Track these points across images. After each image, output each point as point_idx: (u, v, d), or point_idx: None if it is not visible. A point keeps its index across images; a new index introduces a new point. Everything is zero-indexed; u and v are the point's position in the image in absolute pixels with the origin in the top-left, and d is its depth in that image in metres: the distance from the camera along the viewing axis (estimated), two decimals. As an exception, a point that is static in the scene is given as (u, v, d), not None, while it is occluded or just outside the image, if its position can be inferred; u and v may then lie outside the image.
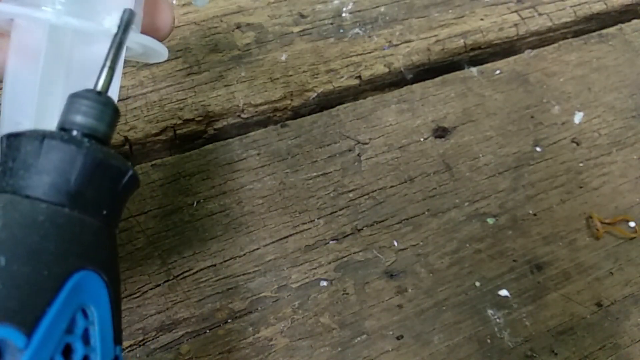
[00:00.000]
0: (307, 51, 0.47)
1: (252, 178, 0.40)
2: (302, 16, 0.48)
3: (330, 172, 0.42)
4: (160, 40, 0.26)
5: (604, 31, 0.53)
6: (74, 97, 0.19)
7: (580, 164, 0.45)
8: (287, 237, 0.39)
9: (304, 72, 0.46)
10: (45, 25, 0.21)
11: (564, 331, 0.38)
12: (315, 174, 0.41)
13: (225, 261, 0.37)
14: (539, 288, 0.39)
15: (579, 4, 0.54)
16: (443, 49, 0.49)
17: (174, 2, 0.48)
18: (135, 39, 0.23)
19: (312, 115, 0.44)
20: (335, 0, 0.50)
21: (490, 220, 0.42)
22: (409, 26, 0.49)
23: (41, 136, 0.17)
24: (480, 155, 0.44)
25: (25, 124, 0.21)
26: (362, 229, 0.40)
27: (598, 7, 0.54)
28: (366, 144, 0.43)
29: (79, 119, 0.18)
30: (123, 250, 0.37)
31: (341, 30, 0.48)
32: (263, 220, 0.39)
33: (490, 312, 0.38)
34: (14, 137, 0.17)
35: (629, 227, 0.42)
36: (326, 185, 0.41)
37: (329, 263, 0.38)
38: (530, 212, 0.42)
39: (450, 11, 0.51)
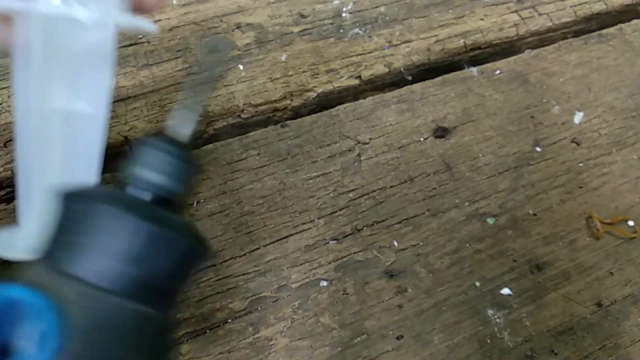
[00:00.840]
0: (307, 51, 0.47)
1: (252, 178, 0.40)
2: (302, 16, 0.48)
3: (330, 172, 0.42)
4: (148, 11, 0.25)
5: (604, 31, 0.53)
6: (151, 147, 0.15)
7: (580, 164, 0.45)
8: (287, 237, 0.39)
9: (304, 72, 0.46)
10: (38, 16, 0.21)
11: (564, 331, 0.38)
12: (315, 174, 0.41)
13: (225, 261, 0.37)
14: (539, 288, 0.39)
15: (579, 4, 0.54)
16: (443, 49, 0.49)
17: (174, 2, 0.48)
18: (125, 21, 0.22)
19: (312, 115, 0.44)
20: (335, 0, 0.50)
21: (490, 220, 0.42)
22: (409, 26, 0.49)
23: (136, 219, 0.14)
24: (480, 155, 0.44)
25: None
26: (362, 229, 0.40)
27: (598, 7, 0.54)
28: (366, 144, 0.43)
29: (155, 178, 0.15)
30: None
31: (341, 30, 0.48)
32: (263, 220, 0.39)
33: (490, 312, 0.38)
34: (93, 204, 0.14)
35: (629, 227, 0.42)
36: (326, 185, 0.41)
37: (329, 263, 0.38)
38: (530, 212, 0.42)
39: (450, 11, 0.51)
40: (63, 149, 0.23)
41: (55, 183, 0.20)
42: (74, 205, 0.14)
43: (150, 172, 0.15)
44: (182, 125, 0.16)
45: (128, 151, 0.16)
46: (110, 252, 0.14)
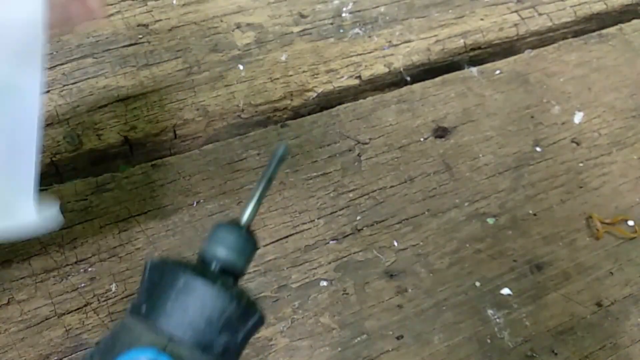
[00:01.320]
0: (307, 51, 0.47)
1: (252, 178, 0.40)
2: (302, 16, 0.48)
3: (330, 172, 0.42)
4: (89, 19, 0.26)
5: (604, 31, 0.53)
6: (222, 229, 0.19)
7: (580, 164, 0.45)
8: (287, 237, 0.39)
9: (304, 72, 0.46)
10: None
11: (564, 331, 0.38)
12: (315, 174, 0.41)
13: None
14: (539, 288, 0.39)
15: (579, 4, 0.54)
16: (443, 49, 0.49)
17: (174, 2, 0.48)
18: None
19: (312, 115, 0.44)
20: (335, 0, 0.50)
21: (490, 220, 0.42)
22: (409, 26, 0.49)
23: (227, 295, 0.18)
24: (480, 155, 0.44)
25: None
26: (362, 229, 0.40)
27: (598, 7, 0.54)
28: (366, 144, 0.43)
29: (240, 262, 0.19)
30: (123, 250, 0.37)
31: (341, 30, 0.48)
32: (263, 220, 0.39)
33: (490, 312, 0.38)
34: (192, 279, 0.18)
35: (629, 227, 0.42)
36: (326, 185, 0.41)
37: (329, 263, 0.38)
38: (530, 212, 0.42)
39: (450, 11, 0.51)
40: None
41: None
42: (179, 278, 0.18)
43: (219, 248, 0.19)
44: (245, 211, 0.20)
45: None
46: (206, 322, 0.18)
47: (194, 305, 0.17)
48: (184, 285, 0.18)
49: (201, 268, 0.19)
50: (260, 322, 0.19)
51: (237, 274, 0.19)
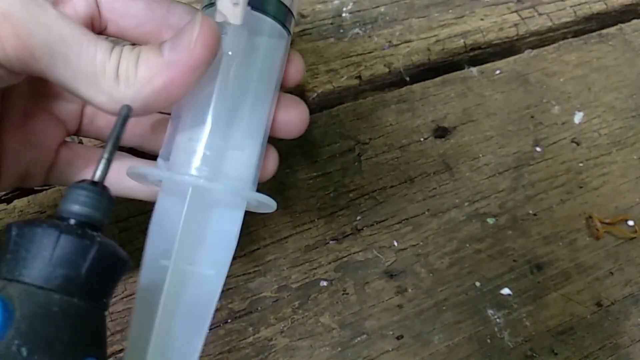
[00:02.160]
0: (307, 51, 0.47)
1: (252, 178, 0.40)
2: (302, 16, 0.48)
3: (330, 172, 0.42)
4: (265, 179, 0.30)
5: (604, 31, 0.53)
6: (72, 188, 0.20)
7: (580, 164, 0.45)
8: (287, 237, 0.39)
9: (304, 72, 0.46)
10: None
11: (564, 331, 0.38)
12: (315, 173, 0.41)
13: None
14: (539, 288, 0.39)
15: (579, 4, 0.54)
16: (443, 49, 0.49)
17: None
18: (255, 197, 0.26)
19: (312, 115, 0.44)
20: (335, 0, 0.50)
21: (490, 220, 0.42)
22: (409, 26, 0.49)
23: (57, 231, 0.18)
24: (480, 155, 0.44)
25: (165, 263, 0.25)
26: (362, 229, 0.40)
27: (598, 7, 0.54)
28: (366, 144, 0.43)
29: (77, 208, 0.20)
30: (123, 250, 0.36)
31: (341, 30, 0.48)
32: (263, 221, 0.39)
33: (490, 312, 0.38)
34: (26, 228, 0.19)
35: (629, 227, 0.42)
36: (326, 185, 0.41)
37: (329, 263, 0.38)
38: (530, 212, 0.42)
39: (450, 11, 0.51)
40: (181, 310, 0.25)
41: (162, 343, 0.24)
42: (15, 231, 0.19)
43: (73, 205, 0.20)
44: (98, 169, 0.21)
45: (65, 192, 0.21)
46: (42, 259, 0.18)
47: (30, 249, 0.18)
48: (19, 234, 0.19)
49: (76, 229, 0.19)
50: (103, 251, 0.19)
51: (94, 224, 0.20)
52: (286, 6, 0.28)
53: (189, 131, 0.26)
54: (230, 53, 0.26)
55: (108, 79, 0.22)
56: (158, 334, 0.24)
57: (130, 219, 0.38)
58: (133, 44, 0.25)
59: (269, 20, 0.27)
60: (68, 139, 0.30)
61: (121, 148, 0.26)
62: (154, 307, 0.24)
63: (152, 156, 0.31)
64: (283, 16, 0.28)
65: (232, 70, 0.26)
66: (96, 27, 0.28)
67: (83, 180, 0.21)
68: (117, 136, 0.22)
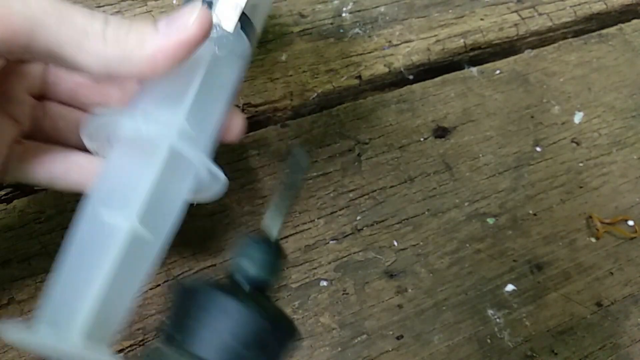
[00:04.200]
0: (307, 51, 0.47)
1: (252, 178, 0.40)
2: (302, 16, 0.48)
3: (330, 172, 0.42)
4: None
5: (604, 31, 0.53)
6: (251, 244, 0.19)
7: (580, 164, 0.45)
8: (287, 237, 0.39)
9: (304, 72, 0.46)
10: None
11: (564, 331, 0.38)
12: (315, 174, 0.41)
13: (225, 261, 0.37)
14: (539, 288, 0.39)
15: (579, 4, 0.54)
16: (443, 49, 0.49)
17: (174, 2, 0.48)
18: (207, 165, 0.25)
19: (312, 115, 0.44)
20: (335, 0, 0.50)
21: (490, 220, 0.42)
22: (409, 26, 0.49)
23: (233, 306, 0.17)
24: (480, 155, 0.44)
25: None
26: (362, 229, 0.40)
27: (598, 7, 0.54)
28: (366, 144, 0.43)
29: (254, 271, 0.19)
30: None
31: (341, 30, 0.48)
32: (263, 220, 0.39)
33: (490, 312, 0.38)
34: (201, 293, 0.18)
35: (629, 227, 0.42)
36: (326, 185, 0.41)
37: (329, 263, 0.38)
38: (530, 212, 0.42)
39: (450, 11, 0.51)
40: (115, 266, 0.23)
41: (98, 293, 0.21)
42: (193, 296, 0.18)
43: (250, 266, 0.19)
44: (272, 225, 0.21)
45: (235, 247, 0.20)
46: (223, 335, 0.17)
47: (228, 328, 0.17)
48: (215, 307, 0.17)
49: (232, 288, 0.18)
50: (296, 338, 0.19)
51: (268, 289, 0.19)
52: (250, 20, 0.30)
53: (157, 99, 0.26)
54: (217, 50, 0.28)
55: (93, 40, 0.23)
56: (100, 289, 0.22)
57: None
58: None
59: (243, 35, 0.30)
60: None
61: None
62: (93, 261, 0.23)
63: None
64: (249, 30, 0.31)
65: (211, 68, 0.28)
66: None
67: (263, 237, 0.20)
68: (297, 186, 0.22)
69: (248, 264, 0.19)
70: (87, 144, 0.28)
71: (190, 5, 0.25)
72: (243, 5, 0.28)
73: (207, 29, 0.24)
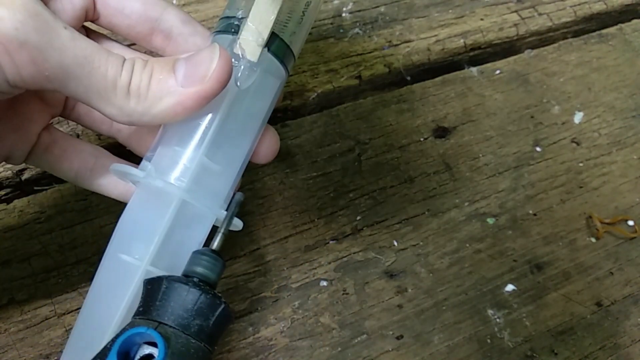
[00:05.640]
0: (307, 51, 0.47)
1: (252, 178, 0.40)
2: (302, 16, 0.48)
3: (330, 172, 0.42)
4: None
5: (604, 31, 0.53)
6: (197, 253, 0.26)
7: (580, 164, 0.45)
8: (287, 237, 0.39)
9: (304, 72, 0.46)
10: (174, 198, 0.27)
11: (564, 331, 0.38)
12: (315, 174, 0.41)
13: (225, 261, 0.37)
14: (539, 288, 0.39)
15: (579, 4, 0.54)
16: (443, 49, 0.49)
17: (174, 1, 0.48)
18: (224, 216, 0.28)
19: (312, 115, 0.44)
20: (335, 0, 0.50)
21: (490, 220, 0.42)
22: (409, 26, 0.50)
23: (199, 291, 0.24)
24: (480, 155, 0.44)
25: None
26: (362, 229, 0.40)
27: (598, 7, 0.54)
28: (366, 144, 0.43)
29: (200, 270, 0.25)
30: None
31: (341, 30, 0.48)
32: (263, 221, 0.39)
33: (490, 312, 0.38)
34: (176, 284, 0.24)
35: (629, 227, 0.42)
36: (326, 185, 0.41)
37: (329, 263, 0.38)
38: (530, 212, 0.42)
39: (450, 11, 0.51)
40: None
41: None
42: (165, 285, 0.24)
43: (196, 267, 0.26)
44: (215, 240, 0.27)
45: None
46: (186, 311, 0.24)
47: (176, 300, 0.24)
48: (168, 288, 0.24)
49: (185, 279, 0.25)
50: (225, 311, 0.25)
51: (211, 284, 0.25)
52: (287, 46, 0.30)
53: (176, 141, 0.28)
54: (238, 84, 0.28)
55: (119, 94, 0.24)
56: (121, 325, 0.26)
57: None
58: (145, 52, 0.26)
59: (276, 61, 0.29)
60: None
61: (108, 146, 0.29)
62: (115, 300, 0.27)
63: (131, 154, 0.32)
64: (283, 55, 0.30)
65: (235, 100, 0.28)
66: (89, 17, 0.29)
67: (206, 249, 0.26)
68: (230, 217, 0.27)
69: (197, 265, 0.25)
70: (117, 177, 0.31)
71: (209, 50, 0.25)
72: (266, 37, 0.27)
73: (226, 79, 0.25)
